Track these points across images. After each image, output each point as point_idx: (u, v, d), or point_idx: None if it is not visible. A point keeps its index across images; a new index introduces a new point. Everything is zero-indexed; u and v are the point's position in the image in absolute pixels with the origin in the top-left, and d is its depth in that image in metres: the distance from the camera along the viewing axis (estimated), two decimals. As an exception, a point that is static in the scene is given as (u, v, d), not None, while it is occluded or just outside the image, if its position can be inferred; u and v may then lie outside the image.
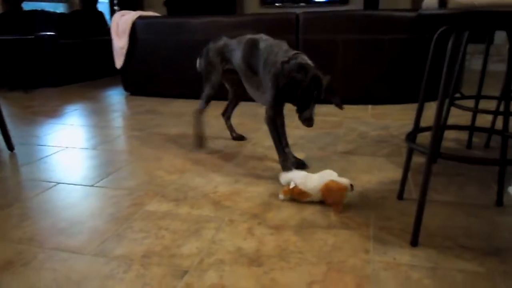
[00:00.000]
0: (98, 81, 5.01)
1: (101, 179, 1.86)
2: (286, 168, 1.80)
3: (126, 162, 2.08)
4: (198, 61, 2.16)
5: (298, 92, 1.62)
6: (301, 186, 1.53)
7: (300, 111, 1.66)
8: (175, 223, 1.44)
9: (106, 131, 2.71)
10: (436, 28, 1.30)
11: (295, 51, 1.73)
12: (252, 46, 1.85)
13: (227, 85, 2.23)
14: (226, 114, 2.37)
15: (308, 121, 1.66)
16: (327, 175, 1.53)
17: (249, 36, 1.91)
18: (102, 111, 3.33)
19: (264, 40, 1.85)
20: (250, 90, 1.96)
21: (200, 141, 2.20)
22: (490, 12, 1.07)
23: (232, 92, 2.28)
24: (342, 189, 1.48)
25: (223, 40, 2.03)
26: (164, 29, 3.66)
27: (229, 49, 1.98)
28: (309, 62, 1.68)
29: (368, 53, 3.15)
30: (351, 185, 1.49)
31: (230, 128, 2.39)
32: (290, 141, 2.32)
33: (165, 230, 1.39)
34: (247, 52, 1.87)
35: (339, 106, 1.74)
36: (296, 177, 1.56)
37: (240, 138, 2.36)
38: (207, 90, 2.10)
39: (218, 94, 2.12)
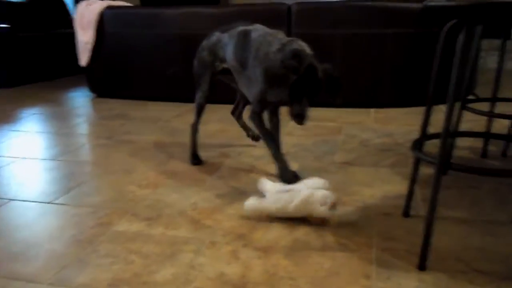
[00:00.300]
0: (60, 80, 4.98)
1: (61, 195, 1.84)
2: (285, 178, 1.79)
3: (90, 175, 2.06)
4: (194, 63, 2.16)
5: (290, 82, 1.61)
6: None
7: (291, 105, 1.64)
8: (147, 246, 1.42)
9: (68, 139, 2.69)
10: (445, 22, 1.31)
11: (291, 38, 1.74)
12: (244, 37, 1.86)
13: (232, 85, 2.21)
14: (236, 113, 2.36)
15: (298, 118, 1.62)
16: (310, 188, 1.55)
17: (241, 27, 1.92)
18: (64, 116, 3.30)
19: (258, 30, 1.85)
20: (243, 89, 1.96)
21: (194, 158, 2.18)
22: (506, 3, 1.08)
23: (239, 91, 2.27)
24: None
25: (216, 36, 2.04)
26: (136, 21, 3.66)
27: (222, 45, 1.99)
28: (307, 49, 1.68)
29: (370, 49, 3.18)
30: (334, 203, 1.52)
31: (244, 126, 2.37)
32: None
33: (136, 254, 1.38)
34: (237, 45, 1.88)
35: (337, 100, 1.71)
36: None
37: (257, 138, 2.34)
38: (197, 99, 2.12)
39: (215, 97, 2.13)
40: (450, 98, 1.19)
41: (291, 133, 2.64)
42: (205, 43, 2.08)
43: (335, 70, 1.66)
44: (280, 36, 1.79)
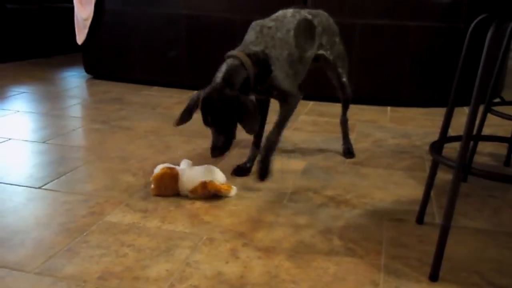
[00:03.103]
0: (54, 58, 5.00)
1: (51, 180, 1.86)
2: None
3: (83, 161, 2.08)
4: None
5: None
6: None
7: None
8: (141, 239, 1.45)
9: (60, 121, 2.71)
10: (474, 16, 1.32)
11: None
12: None
13: None
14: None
15: (211, 151, 1.73)
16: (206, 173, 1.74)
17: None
18: (56, 96, 3.32)
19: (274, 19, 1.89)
20: None
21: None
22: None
23: None
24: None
25: None
26: (139, -1, 3.67)
27: None
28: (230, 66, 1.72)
29: (390, 42, 3.19)
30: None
31: None
32: (288, 145, 2.35)
33: (129, 247, 1.40)
34: None
35: (244, 128, 1.71)
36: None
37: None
38: None
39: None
40: (474, 99, 1.20)
41: (300, 128, 2.65)
42: None
43: (242, 96, 1.69)
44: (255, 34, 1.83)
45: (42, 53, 5.02)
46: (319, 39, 2.01)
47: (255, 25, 1.85)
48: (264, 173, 1.83)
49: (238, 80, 1.71)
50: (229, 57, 1.76)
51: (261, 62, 1.76)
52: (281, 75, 1.80)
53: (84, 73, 4.09)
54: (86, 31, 3.82)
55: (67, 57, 5.10)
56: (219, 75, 1.71)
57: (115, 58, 3.86)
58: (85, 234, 1.47)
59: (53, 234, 1.46)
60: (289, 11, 1.93)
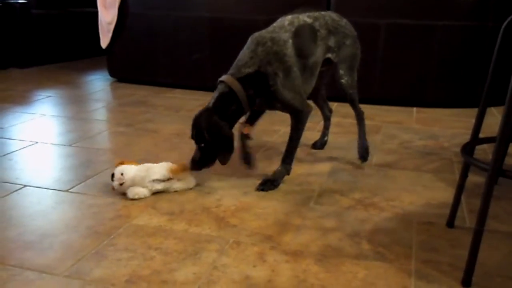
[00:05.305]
0: (78, 62, 5.07)
1: (78, 183, 1.88)
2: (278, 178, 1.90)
3: (109, 164, 2.10)
4: None
5: None
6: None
7: None
8: (168, 242, 1.45)
9: (86, 124, 2.74)
10: (501, 14, 1.29)
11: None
12: None
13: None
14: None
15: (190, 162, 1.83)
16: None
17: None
18: (81, 100, 3.36)
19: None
20: None
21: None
22: None
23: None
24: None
25: None
26: (161, 3, 3.69)
27: None
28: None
29: (416, 42, 3.15)
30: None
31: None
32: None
33: (156, 250, 1.40)
34: None
35: (219, 158, 1.83)
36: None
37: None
38: None
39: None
40: (509, 99, 1.18)
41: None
42: None
43: (224, 129, 1.77)
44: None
45: (66, 57, 5.10)
46: (324, 42, 1.94)
47: (251, 41, 1.83)
48: (265, 187, 1.86)
49: (228, 107, 1.78)
50: (220, 82, 1.80)
51: (256, 82, 1.76)
52: (282, 89, 1.78)
53: (109, 77, 4.14)
54: (110, 34, 3.87)
55: (91, 60, 5.17)
56: (212, 101, 1.79)
57: (139, 61, 3.89)
58: (112, 237, 1.48)
59: (81, 237, 1.47)
60: (287, 19, 1.89)
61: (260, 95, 1.80)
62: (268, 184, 1.86)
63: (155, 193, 1.79)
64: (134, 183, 1.75)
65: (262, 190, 1.84)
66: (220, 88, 1.78)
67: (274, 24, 1.89)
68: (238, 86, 1.76)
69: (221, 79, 1.79)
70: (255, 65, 1.76)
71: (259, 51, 1.78)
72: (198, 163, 1.81)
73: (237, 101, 1.77)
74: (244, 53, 1.81)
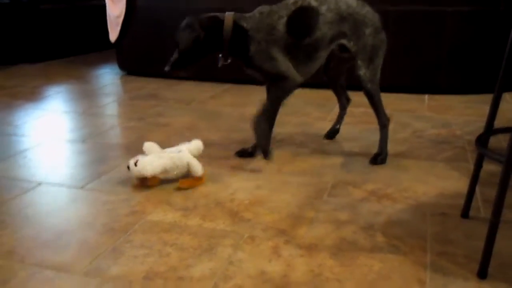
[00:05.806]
0: (88, 56, 5.09)
1: (92, 180, 1.90)
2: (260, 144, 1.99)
3: (122, 159, 2.12)
4: None
5: None
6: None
7: None
8: (183, 238, 1.46)
9: (98, 119, 2.76)
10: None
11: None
12: None
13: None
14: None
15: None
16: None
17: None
18: (91, 95, 3.38)
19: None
20: None
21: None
22: None
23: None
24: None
25: None
26: (170, -6, 3.69)
27: None
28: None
29: (426, 29, 3.12)
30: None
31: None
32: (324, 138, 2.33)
33: (172, 246, 1.42)
34: None
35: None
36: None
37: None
38: None
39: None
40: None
41: (333, 120, 2.62)
42: None
43: (189, 34, 1.99)
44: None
45: (75, 52, 5.12)
46: (331, 27, 1.93)
47: (257, 8, 1.97)
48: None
49: (211, 28, 1.93)
50: (224, 12, 1.96)
51: (241, 40, 1.91)
52: (261, 57, 1.91)
53: (118, 70, 4.15)
54: (118, 28, 3.87)
55: (100, 54, 5.18)
56: (206, 15, 1.97)
57: (148, 54, 3.89)
58: (128, 233, 1.49)
59: (97, 235, 1.49)
60: None
61: (239, 55, 1.95)
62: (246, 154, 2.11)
63: (168, 188, 1.80)
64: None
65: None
66: (219, 15, 1.94)
67: (283, 2, 1.98)
68: (230, 24, 1.91)
69: (228, 12, 1.95)
70: (249, 25, 1.92)
71: (257, 17, 1.93)
72: (173, 64, 2.01)
73: (219, 33, 1.92)
74: (251, 13, 1.97)
